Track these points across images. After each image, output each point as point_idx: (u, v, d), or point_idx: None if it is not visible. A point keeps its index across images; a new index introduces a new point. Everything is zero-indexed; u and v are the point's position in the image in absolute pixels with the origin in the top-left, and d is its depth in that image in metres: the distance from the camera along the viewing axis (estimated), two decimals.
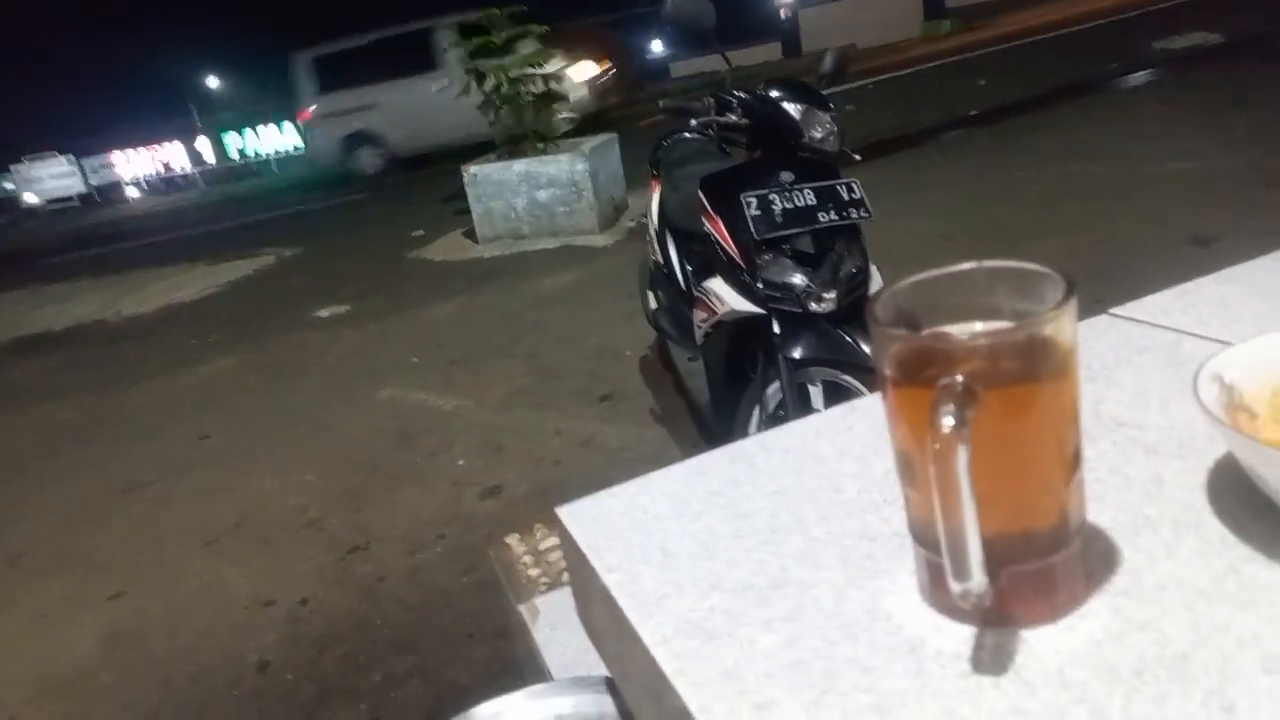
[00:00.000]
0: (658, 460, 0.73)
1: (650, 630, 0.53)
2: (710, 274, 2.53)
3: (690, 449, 3.11)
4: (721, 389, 2.60)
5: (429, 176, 9.65)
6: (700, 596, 0.55)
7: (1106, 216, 4.40)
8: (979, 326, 0.48)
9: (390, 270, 6.57)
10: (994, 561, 0.46)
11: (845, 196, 2.28)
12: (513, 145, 5.88)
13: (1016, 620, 0.47)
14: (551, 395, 3.77)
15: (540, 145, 5.85)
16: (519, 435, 3.46)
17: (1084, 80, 7.70)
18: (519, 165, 5.78)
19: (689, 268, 2.89)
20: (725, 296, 2.39)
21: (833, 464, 0.67)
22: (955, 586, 0.43)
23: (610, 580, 0.58)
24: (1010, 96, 7.56)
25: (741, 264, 2.34)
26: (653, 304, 3.22)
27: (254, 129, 19.21)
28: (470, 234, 6.27)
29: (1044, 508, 0.46)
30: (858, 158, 2.62)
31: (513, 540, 1.34)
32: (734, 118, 2.34)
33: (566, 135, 6.07)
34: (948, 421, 0.41)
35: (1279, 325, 0.74)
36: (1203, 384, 0.52)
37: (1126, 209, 4.48)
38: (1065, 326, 0.45)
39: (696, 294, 2.60)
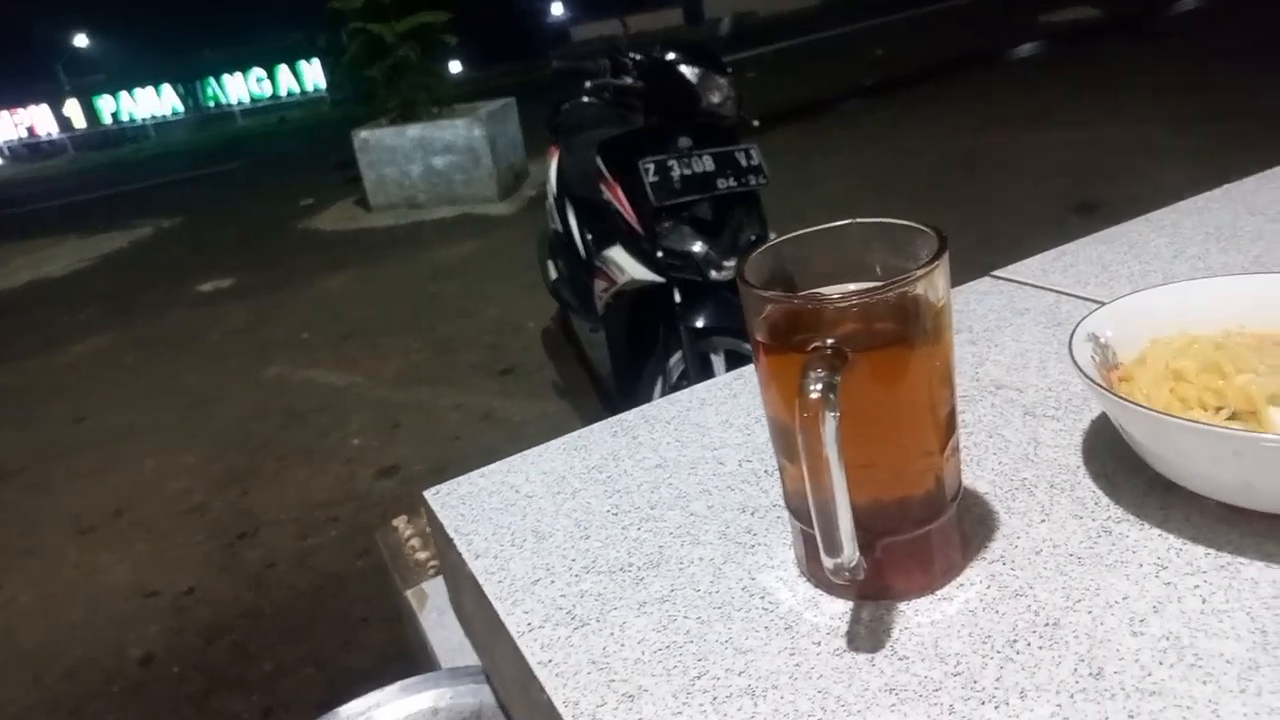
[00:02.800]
0: (561, 434, 0.70)
1: (517, 619, 0.49)
2: (610, 242, 2.49)
3: (593, 421, 3.07)
4: (624, 360, 2.58)
5: (318, 142, 9.28)
6: (572, 580, 0.52)
7: (997, 185, 4.54)
8: (852, 287, 0.46)
9: (277, 241, 6.30)
10: (868, 533, 0.44)
11: (744, 163, 2.27)
12: (406, 110, 5.69)
13: (893, 592, 0.46)
14: (450, 369, 3.69)
15: (435, 110, 5.67)
16: (416, 411, 3.38)
17: (974, 51, 7.91)
18: (413, 131, 5.60)
19: (589, 236, 2.84)
20: (625, 265, 2.36)
21: (716, 434, 0.65)
22: (827, 562, 0.41)
23: (477, 567, 0.55)
24: (906, 67, 7.70)
25: (641, 232, 2.31)
26: (553, 274, 3.17)
27: (130, 92, 18.12)
28: (362, 202, 6.05)
29: (919, 474, 0.44)
30: (756, 123, 2.61)
31: (399, 522, 1.29)
32: (630, 80, 2.30)
33: (463, 99, 5.91)
34: (816, 387, 0.39)
35: (1150, 283, 0.75)
36: (1077, 344, 0.52)
37: (1015, 177, 4.62)
38: (938, 284, 0.43)
39: (596, 263, 2.56)
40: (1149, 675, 0.39)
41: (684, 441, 0.64)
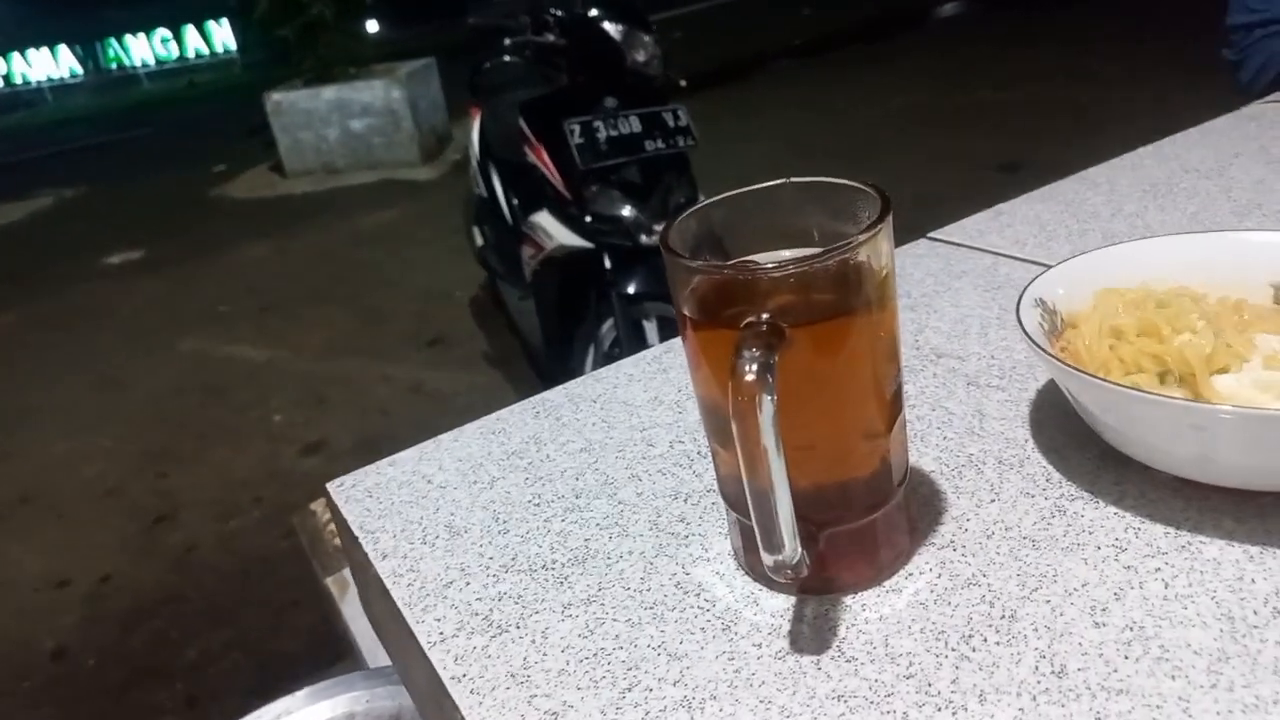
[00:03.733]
0: (492, 405, 0.66)
1: (427, 628, 0.45)
2: (537, 207, 2.42)
3: (526, 391, 3.02)
4: (554, 328, 2.52)
5: (229, 106, 8.88)
6: (489, 581, 0.47)
7: (927, 145, 4.56)
8: (787, 254, 0.42)
9: (189, 210, 6.02)
10: (811, 523, 0.40)
11: (672, 124, 2.22)
12: (322, 71, 5.46)
13: (838, 585, 0.42)
14: (376, 341, 3.57)
15: (352, 71, 5.45)
16: (342, 385, 3.27)
17: (901, 10, 7.92)
18: (329, 93, 5.38)
19: (514, 201, 2.76)
20: (553, 231, 2.29)
21: (645, 413, 0.60)
22: (767, 559, 0.37)
23: (384, 568, 0.50)
24: (834, 26, 7.69)
25: (568, 196, 2.24)
26: (479, 240, 3.07)
27: (23, 54, 17.07)
28: (278, 168, 5.81)
29: (865, 458, 0.41)
30: (683, 83, 2.56)
31: (318, 506, 1.23)
32: (551, 38, 2.21)
33: (382, 60, 5.69)
34: (751, 368, 0.34)
35: (1092, 242, 0.73)
36: (1025, 310, 0.48)
37: (942, 137, 4.65)
38: (881, 250, 0.39)
39: (523, 229, 2.48)
40: (1114, 671, 0.36)
41: (611, 422, 0.60)
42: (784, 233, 0.43)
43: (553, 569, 0.47)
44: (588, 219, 2.14)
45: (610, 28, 2.23)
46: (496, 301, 3.32)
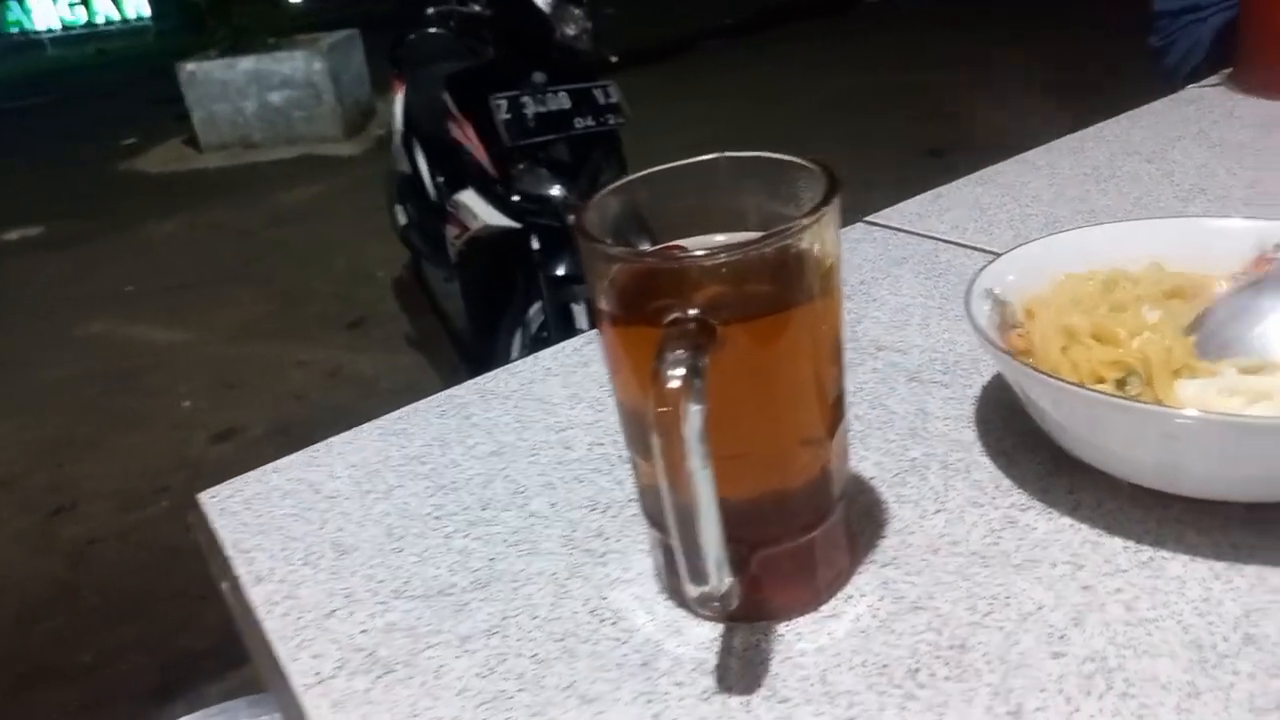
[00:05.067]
0: (414, 390, 0.61)
1: (303, 665, 0.39)
2: (462, 185, 2.33)
3: (449, 376, 2.93)
4: (480, 310, 2.43)
5: (141, 76, 8.46)
6: (378, 609, 0.41)
7: (864, 127, 4.57)
8: (721, 239, 0.37)
9: (96, 185, 5.71)
10: (743, 545, 0.36)
11: (602, 100, 2.15)
12: (239, 41, 5.22)
13: (772, 611, 0.38)
14: (294, 323, 3.43)
15: (271, 41, 5.22)
16: (257, 369, 3.13)
17: None
18: (245, 64, 5.14)
19: (439, 178, 2.66)
20: (479, 210, 2.21)
21: (563, 411, 0.55)
22: (691, 590, 0.32)
23: (257, 594, 0.43)
24: (769, 6, 7.67)
25: (494, 174, 2.16)
26: (402, 219, 2.96)
27: None
28: (192, 142, 5.54)
29: (803, 469, 0.36)
30: (614, 59, 2.49)
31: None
32: (477, 8, 2.12)
33: (303, 29, 5.47)
34: (676, 373, 0.29)
35: (1035, 227, 0.70)
36: (974, 301, 0.44)
37: (878, 120, 4.67)
38: (827, 236, 0.34)
39: (448, 208, 2.39)
40: (1077, 711, 0.32)
41: (525, 421, 0.54)
42: (717, 215, 0.38)
43: (451, 594, 0.42)
44: (515, 198, 2.06)
45: (539, 0, 2.15)
46: (420, 282, 3.22)
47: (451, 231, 2.35)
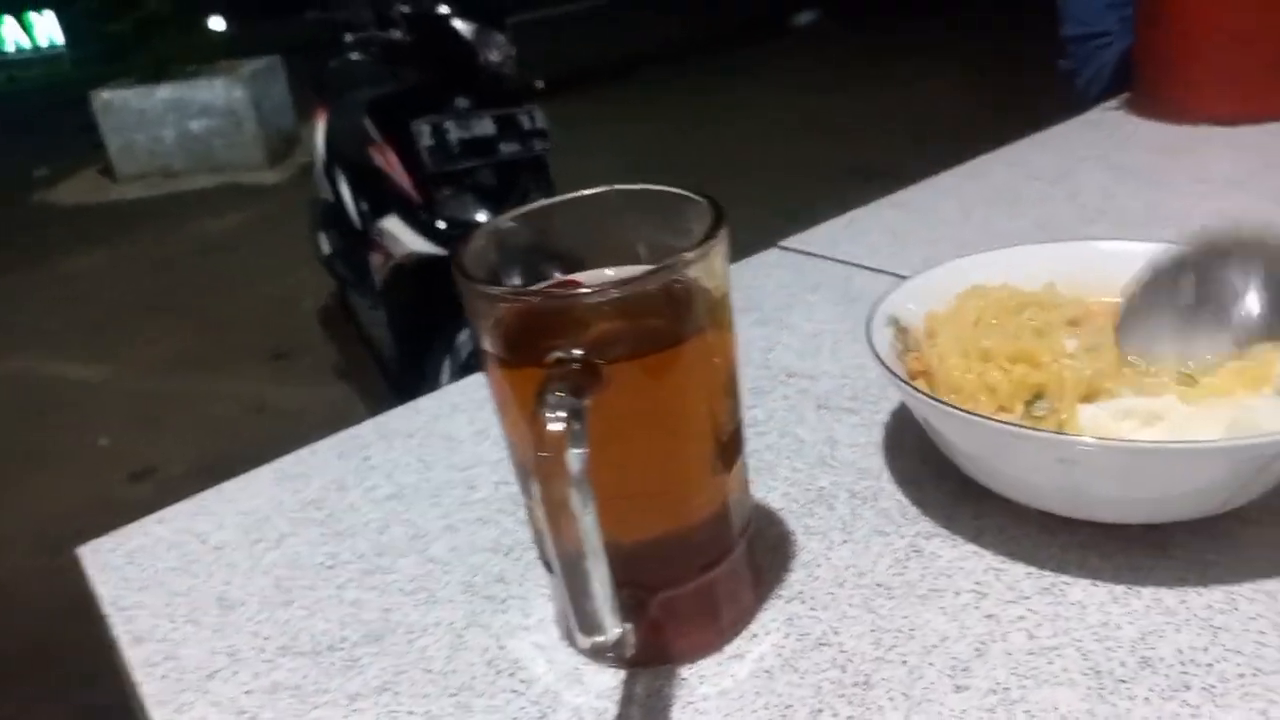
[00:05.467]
0: (342, 421, 0.60)
1: None
2: (386, 212, 2.29)
3: (378, 406, 2.86)
4: (407, 338, 2.39)
5: (55, 104, 8.19)
6: (263, 669, 0.39)
7: (784, 153, 4.63)
8: (610, 273, 0.36)
9: (9, 217, 5.50)
10: (640, 589, 0.34)
11: (527, 125, 2.14)
12: (160, 69, 5.08)
13: (674, 655, 0.36)
14: (218, 355, 3.33)
15: (190, 69, 5.10)
16: (179, 404, 3.02)
17: (760, 17, 8.07)
18: (163, 92, 5.00)
19: (363, 206, 2.61)
20: (403, 237, 2.18)
21: (468, 449, 0.53)
22: (582, 641, 0.31)
23: (136, 656, 0.41)
24: (697, 33, 7.76)
25: (418, 200, 2.13)
26: (326, 247, 2.90)
27: None
28: (108, 172, 5.37)
29: (702, 509, 0.35)
30: (540, 84, 2.49)
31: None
32: (398, 34, 2.10)
33: (224, 56, 5.34)
34: (557, 416, 0.28)
35: (945, 250, 0.70)
36: (876, 330, 0.44)
37: (805, 146, 4.74)
38: (715, 267, 0.33)
39: (372, 235, 2.35)
40: None
41: (428, 461, 0.52)
42: (609, 248, 0.37)
43: (341, 649, 0.39)
44: (439, 224, 2.04)
45: (461, 25, 2.14)
46: (347, 311, 3.15)
47: (376, 259, 2.31)
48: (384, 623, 0.41)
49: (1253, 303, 0.41)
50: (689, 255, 0.31)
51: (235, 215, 4.82)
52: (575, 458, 0.28)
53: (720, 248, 0.33)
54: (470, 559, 0.44)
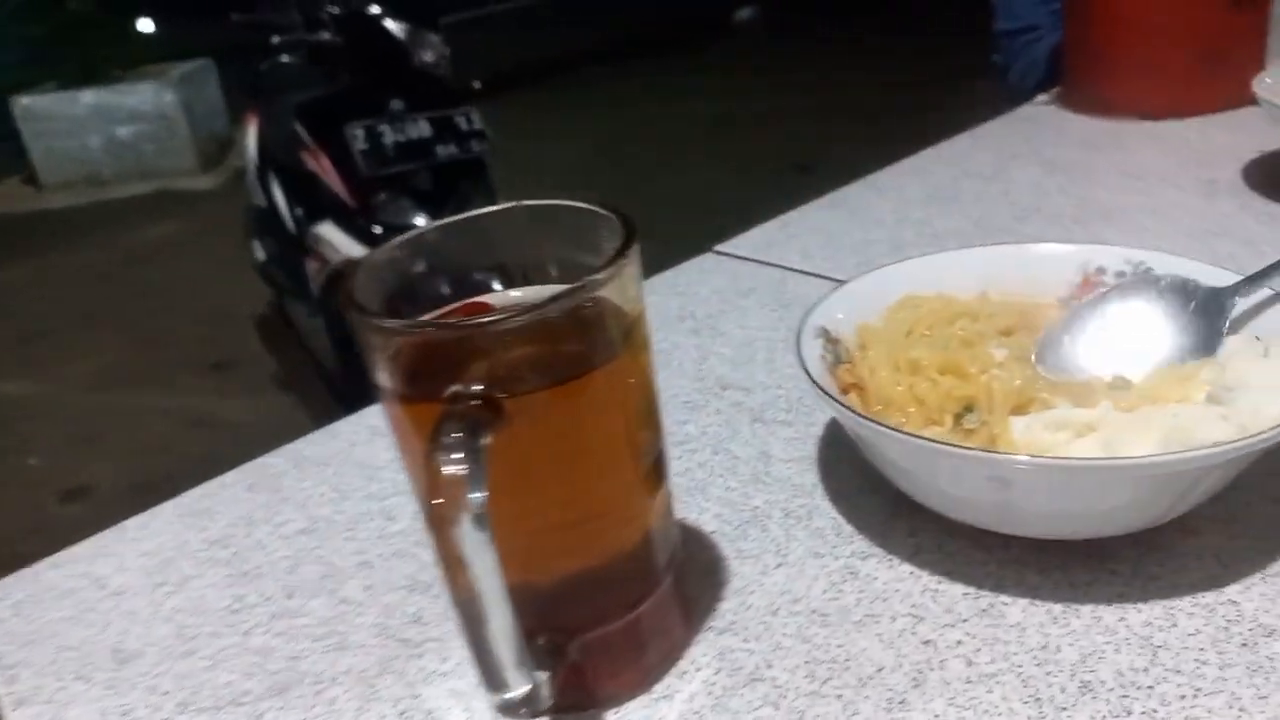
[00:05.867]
0: (285, 433, 0.57)
1: None
2: (321, 218, 2.24)
3: (321, 416, 2.80)
4: (348, 346, 2.32)
5: None
6: None
7: (726, 151, 4.63)
8: (516, 294, 0.33)
9: None
10: (558, 632, 0.32)
11: (465, 127, 2.11)
12: (86, 73, 4.92)
13: (598, 700, 0.34)
14: (154, 369, 3.23)
15: (117, 73, 4.94)
16: (114, 420, 2.92)
17: (700, 15, 8.08)
18: (88, 97, 4.83)
19: (298, 211, 2.55)
20: (339, 243, 2.13)
21: (387, 477, 0.50)
22: (491, 698, 0.28)
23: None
24: (637, 31, 7.74)
25: (353, 206, 2.09)
26: (261, 254, 2.83)
27: None
28: (32, 180, 5.19)
29: (621, 544, 0.33)
30: (477, 84, 2.45)
31: None
32: (327, 36, 2.05)
33: (151, 60, 5.18)
34: (451, 458, 0.26)
35: (879, 252, 0.70)
36: (806, 342, 0.42)
37: (742, 143, 4.75)
38: (628, 287, 0.31)
39: (308, 242, 2.29)
40: None
41: (344, 491, 0.49)
42: (517, 268, 0.35)
43: (244, 703, 0.37)
44: (376, 229, 1.99)
45: (392, 25, 2.09)
46: (286, 320, 3.08)
47: (313, 266, 2.26)
48: (291, 672, 0.38)
49: (1172, 329, 0.41)
50: (598, 276, 0.29)
51: (168, 223, 4.69)
52: (472, 503, 0.26)
53: (632, 266, 0.31)
54: (385, 598, 0.41)
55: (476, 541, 0.26)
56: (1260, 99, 0.69)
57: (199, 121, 5.04)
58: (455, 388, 0.28)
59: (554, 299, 0.29)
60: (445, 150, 2.04)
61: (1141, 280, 0.43)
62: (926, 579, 0.38)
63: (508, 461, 0.29)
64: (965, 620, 0.36)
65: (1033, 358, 0.42)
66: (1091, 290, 0.47)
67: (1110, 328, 0.42)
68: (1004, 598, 0.37)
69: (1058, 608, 0.36)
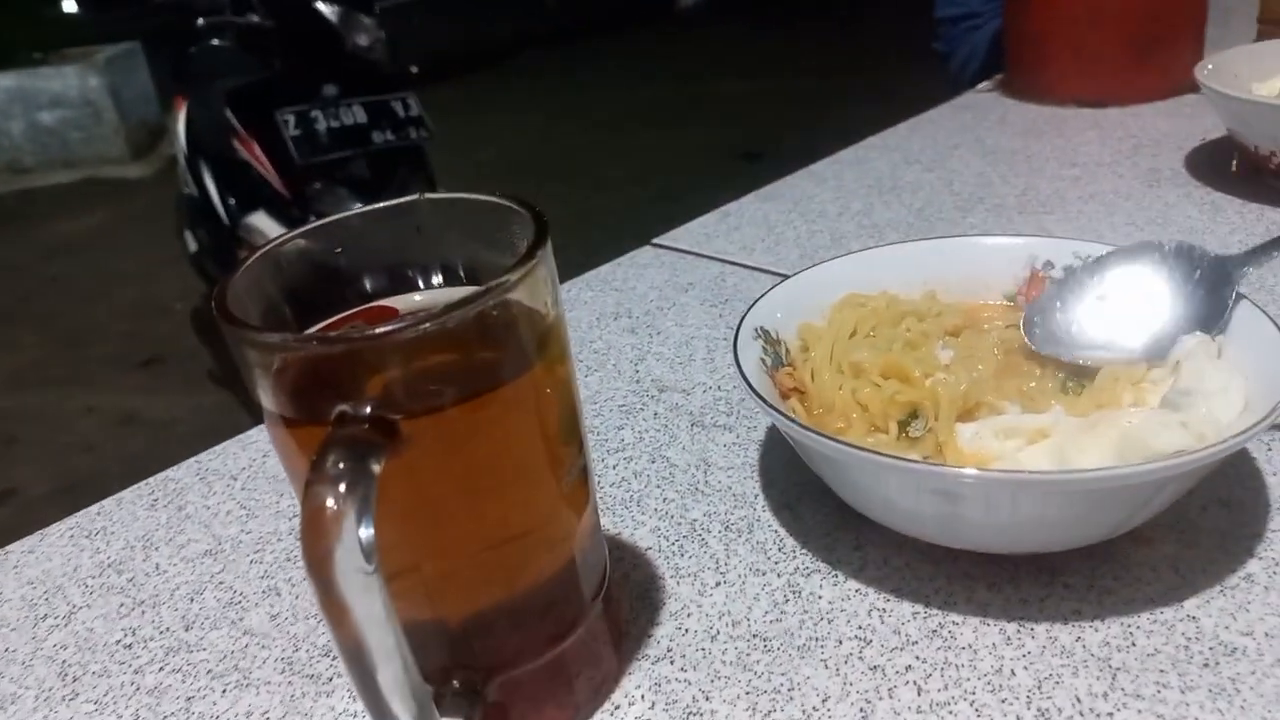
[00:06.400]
0: (219, 432, 0.54)
1: None
2: (254, 207, 2.16)
3: (257, 413, 2.71)
4: None
5: None
6: None
7: (672, 138, 4.60)
8: (419, 299, 0.30)
9: None
10: (475, 672, 0.29)
11: (402, 114, 2.05)
12: (2, 56, 4.71)
13: None
14: (79, 366, 3.10)
15: (38, 56, 4.74)
16: (38, 420, 2.80)
17: (646, 0, 8.02)
18: (6, 81, 4.63)
19: (230, 201, 2.46)
20: (272, 234, 2.05)
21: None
22: None
23: None
24: (581, 15, 7.66)
25: (287, 195, 2.02)
26: (193, 245, 2.72)
27: None
28: None
29: (541, 574, 0.30)
30: (414, 69, 2.38)
31: None
32: (256, 18, 1.97)
33: (75, 42, 4.98)
34: (334, 491, 0.23)
35: (821, 244, 0.67)
36: (744, 344, 0.40)
37: (692, 128, 4.72)
38: (541, 289, 0.28)
39: (240, 232, 2.22)
40: None
41: (252, 508, 0.46)
42: (421, 269, 0.31)
43: None
44: (311, 219, 1.92)
45: (324, 8, 2.02)
46: None
47: (246, 257, 2.18)
48: (186, 715, 0.34)
49: (1164, 306, 0.39)
50: (507, 278, 0.26)
51: (96, 213, 4.51)
52: (357, 542, 0.22)
53: (545, 266, 0.28)
54: (293, 629, 0.38)
55: (361, 586, 0.23)
56: (1203, 86, 0.68)
57: (128, 108, 4.86)
58: (342, 408, 0.24)
59: (455, 305, 0.25)
60: (382, 137, 1.97)
61: (1144, 246, 0.41)
62: (873, 597, 0.36)
63: (408, 488, 0.26)
64: (915, 643, 0.34)
65: (1020, 328, 0.40)
66: (1040, 286, 0.45)
67: (1109, 296, 0.40)
68: (954, 616, 0.35)
69: (1011, 627, 0.34)
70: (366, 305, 0.31)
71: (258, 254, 0.29)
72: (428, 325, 0.25)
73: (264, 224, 2.06)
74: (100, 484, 0.50)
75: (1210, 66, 0.71)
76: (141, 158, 4.88)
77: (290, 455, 0.27)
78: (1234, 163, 0.72)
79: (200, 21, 1.97)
